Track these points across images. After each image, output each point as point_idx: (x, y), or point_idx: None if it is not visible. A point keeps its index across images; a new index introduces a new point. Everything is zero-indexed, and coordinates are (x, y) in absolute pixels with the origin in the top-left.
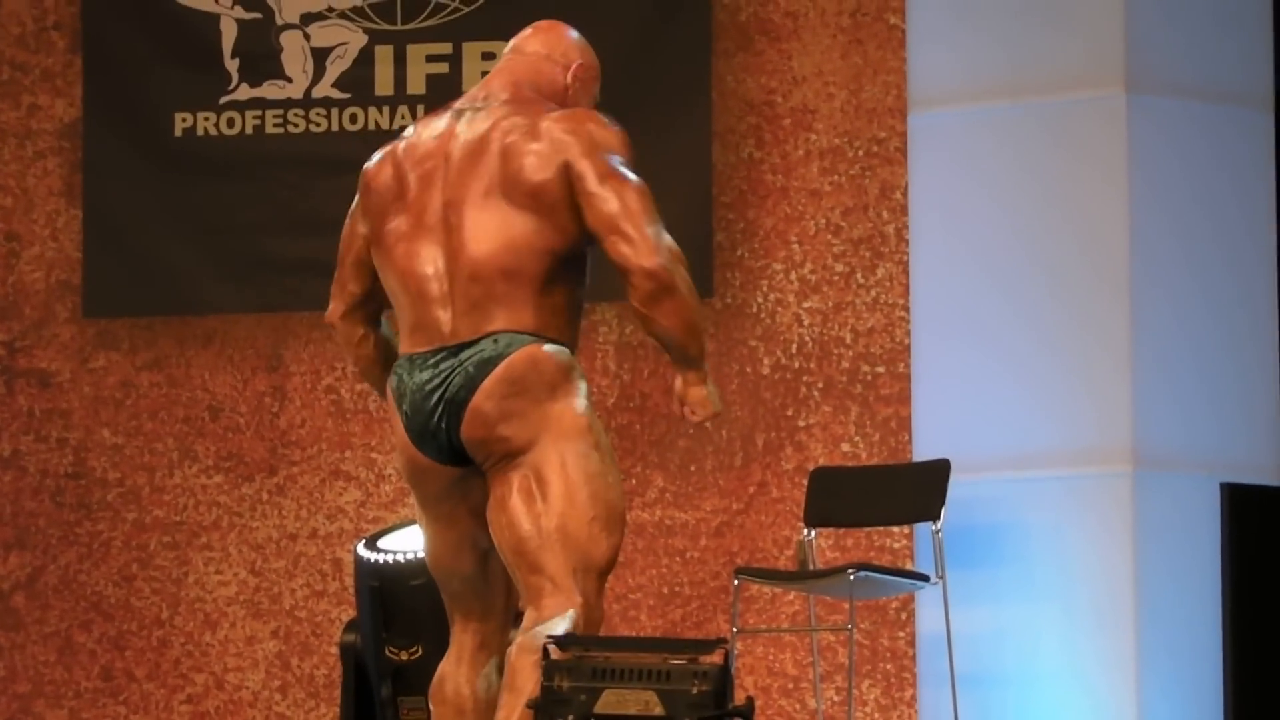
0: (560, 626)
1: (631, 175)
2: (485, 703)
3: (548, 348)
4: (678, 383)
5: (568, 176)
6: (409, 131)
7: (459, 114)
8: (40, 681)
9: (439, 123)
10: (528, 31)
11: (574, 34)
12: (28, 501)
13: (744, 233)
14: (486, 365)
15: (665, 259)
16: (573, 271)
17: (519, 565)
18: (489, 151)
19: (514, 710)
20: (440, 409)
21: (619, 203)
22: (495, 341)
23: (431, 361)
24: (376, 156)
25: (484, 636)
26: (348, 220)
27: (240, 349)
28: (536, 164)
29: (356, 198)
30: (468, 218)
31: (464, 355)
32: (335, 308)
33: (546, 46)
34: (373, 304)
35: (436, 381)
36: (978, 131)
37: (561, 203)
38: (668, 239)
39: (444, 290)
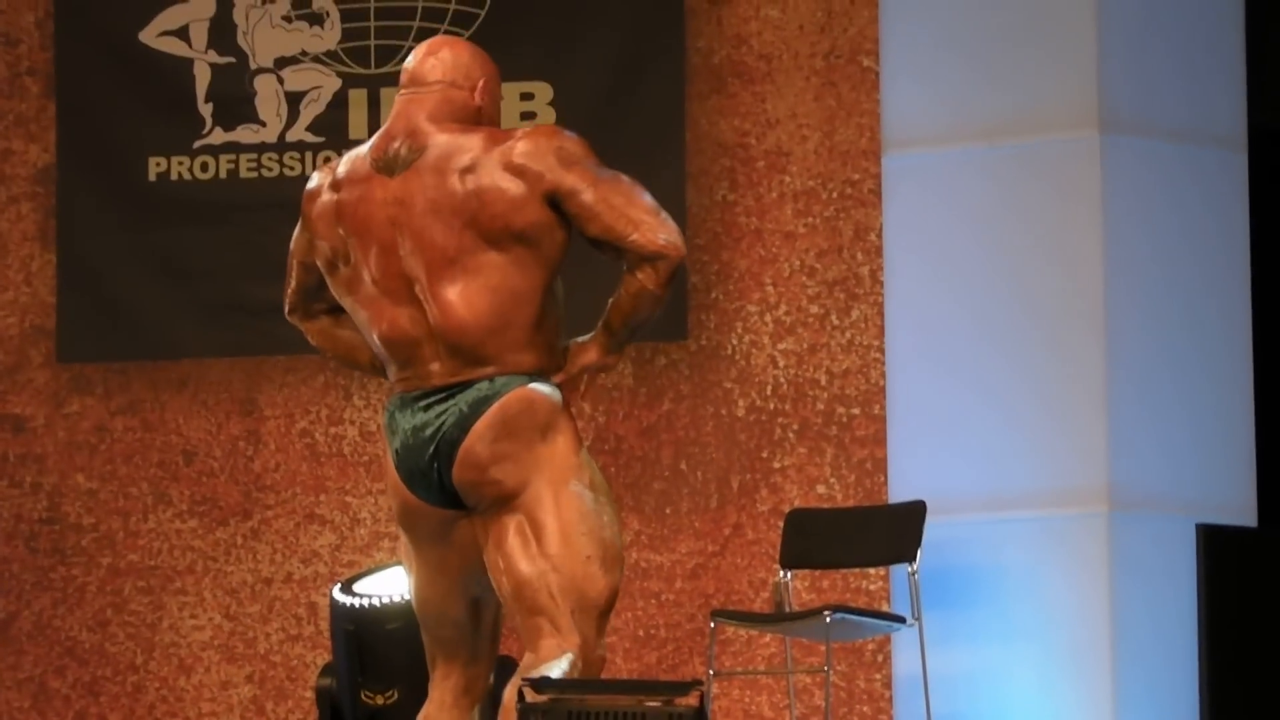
0: (557, 669)
1: (613, 173)
2: None
3: (542, 389)
4: (597, 354)
5: (555, 201)
6: (341, 170)
7: (389, 167)
8: None
9: (369, 181)
10: (420, 56)
11: (466, 47)
12: (1, 547)
13: (718, 275)
14: (481, 405)
15: (678, 238)
16: (555, 295)
17: (518, 608)
18: (453, 204)
19: None
20: (433, 449)
21: (620, 201)
22: (491, 383)
23: (424, 404)
24: (314, 183)
25: (469, 681)
26: (297, 232)
27: (214, 393)
28: (520, 201)
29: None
30: (440, 290)
31: (459, 396)
32: (289, 304)
33: (448, 72)
34: (325, 293)
35: (432, 422)
36: (952, 173)
37: (551, 229)
38: (667, 216)
39: (434, 350)
